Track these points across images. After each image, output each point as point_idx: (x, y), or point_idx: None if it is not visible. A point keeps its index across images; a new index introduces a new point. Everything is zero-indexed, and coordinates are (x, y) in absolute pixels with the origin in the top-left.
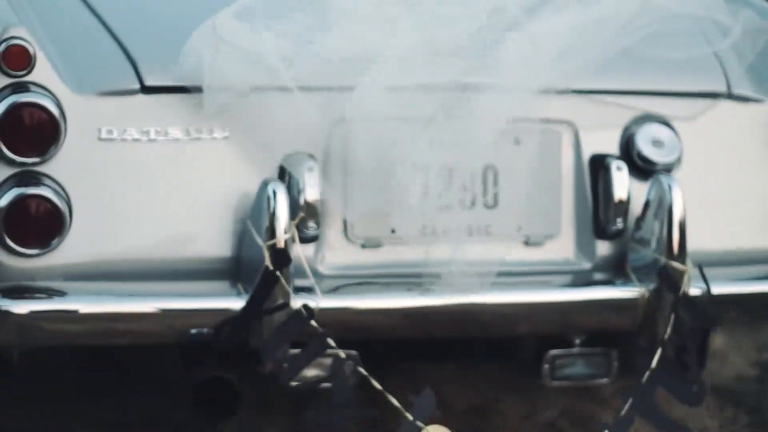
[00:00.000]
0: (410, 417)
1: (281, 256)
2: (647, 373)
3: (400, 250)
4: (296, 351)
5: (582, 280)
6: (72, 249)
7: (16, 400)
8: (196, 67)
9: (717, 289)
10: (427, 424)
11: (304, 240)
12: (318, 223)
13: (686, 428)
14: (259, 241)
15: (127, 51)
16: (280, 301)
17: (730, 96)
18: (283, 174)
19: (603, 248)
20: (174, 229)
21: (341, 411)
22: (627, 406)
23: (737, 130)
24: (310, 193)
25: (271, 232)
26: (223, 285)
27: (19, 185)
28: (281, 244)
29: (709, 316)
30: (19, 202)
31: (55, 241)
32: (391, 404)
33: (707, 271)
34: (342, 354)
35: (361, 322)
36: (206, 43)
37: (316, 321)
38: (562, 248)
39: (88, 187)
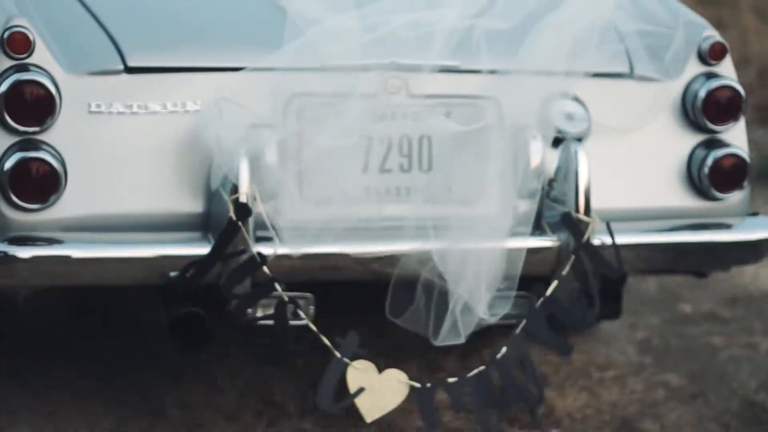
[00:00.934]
0: (338, 355)
1: (243, 209)
2: (540, 300)
3: (348, 207)
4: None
5: (504, 233)
6: (67, 204)
7: (21, 336)
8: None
9: (620, 239)
10: (352, 360)
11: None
12: (277, 184)
13: (568, 346)
14: (225, 196)
15: (112, 37)
16: (241, 248)
17: (632, 76)
18: (246, 141)
19: (522, 206)
20: (154, 188)
21: (278, 346)
22: (521, 326)
23: (638, 105)
24: (270, 157)
25: (235, 189)
26: (195, 235)
27: (21, 150)
28: (243, 199)
29: (611, 263)
30: (22, 164)
31: (52, 198)
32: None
33: (614, 225)
34: (285, 297)
35: (312, 265)
36: None
37: (277, 266)
38: (487, 206)
39: (80, 152)
